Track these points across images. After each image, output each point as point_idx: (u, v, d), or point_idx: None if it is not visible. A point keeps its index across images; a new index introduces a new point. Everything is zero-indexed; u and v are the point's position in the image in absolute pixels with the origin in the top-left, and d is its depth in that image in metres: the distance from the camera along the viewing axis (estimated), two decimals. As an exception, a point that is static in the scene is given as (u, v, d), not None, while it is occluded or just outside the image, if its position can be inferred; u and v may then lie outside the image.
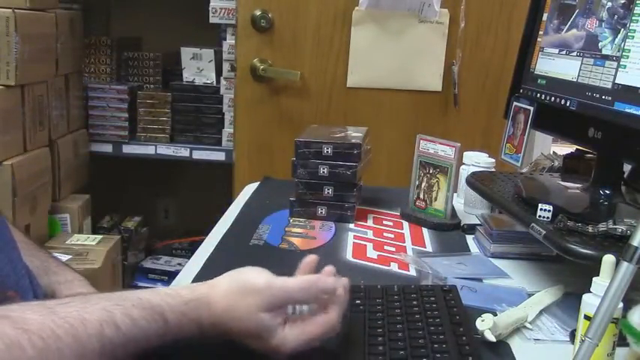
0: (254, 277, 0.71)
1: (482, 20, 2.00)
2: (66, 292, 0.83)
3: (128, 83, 2.56)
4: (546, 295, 0.93)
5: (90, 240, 2.18)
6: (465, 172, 1.36)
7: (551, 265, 1.08)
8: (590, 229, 0.87)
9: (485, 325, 0.78)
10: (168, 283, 2.32)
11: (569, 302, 0.89)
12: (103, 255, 2.07)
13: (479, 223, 1.21)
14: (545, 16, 1.15)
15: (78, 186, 2.44)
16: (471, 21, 1.98)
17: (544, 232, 0.90)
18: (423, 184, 1.29)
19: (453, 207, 1.29)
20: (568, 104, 1.05)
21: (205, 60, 2.46)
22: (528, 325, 0.85)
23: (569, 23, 1.08)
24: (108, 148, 2.48)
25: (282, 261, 1.08)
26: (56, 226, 2.26)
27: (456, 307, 0.83)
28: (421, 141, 1.29)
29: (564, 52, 1.08)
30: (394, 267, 1.07)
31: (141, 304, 0.65)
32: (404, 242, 1.20)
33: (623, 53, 0.93)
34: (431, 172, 1.27)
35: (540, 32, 1.16)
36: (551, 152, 1.63)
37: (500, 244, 1.12)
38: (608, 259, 0.70)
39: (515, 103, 1.18)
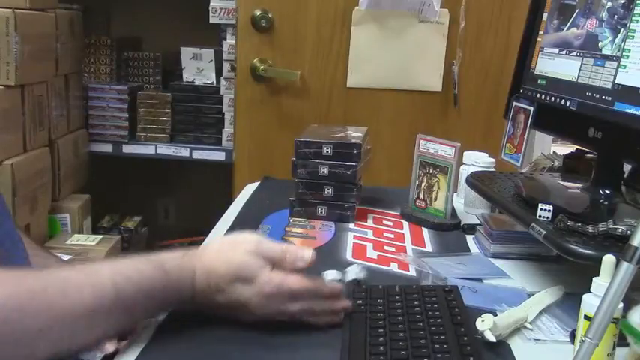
0: (245, 234, 0.83)
1: (483, 20, 2.00)
2: None
3: (128, 83, 2.56)
4: (546, 295, 0.93)
5: (90, 240, 2.18)
6: (465, 172, 1.36)
7: (551, 265, 1.08)
8: (590, 229, 0.87)
9: (485, 325, 0.78)
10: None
11: (569, 302, 0.89)
12: (103, 255, 2.08)
13: (479, 223, 1.21)
14: (545, 16, 1.15)
15: (78, 186, 2.44)
16: (471, 21, 1.98)
17: (544, 232, 0.90)
18: (423, 184, 1.29)
19: (453, 207, 1.29)
20: (568, 104, 1.05)
21: (205, 60, 2.46)
22: (528, 325, 0.85)
23: (569, 23, 1.08)
24: (108, 148, 2.48)
25: (283, 261, 1.08)
26: (56, 226, 2.26)
27: (457, 308, 0.83)
28: (421, 141, 1.29)
29: (564, 52, 1.08)
30: (394, 267, 1.07)
31: (145, 258, 0.76)
32: (404, 242, 1.20)
33: (623, 53, 0.93)
34: (431, 172, 1.27)
35: (540, 32, 1.16)
36: (551, 152, 1.63)
37: (500, 244, 1.12)
38: (608, 259, 0.70)
39: (515, 103, 1.18)
